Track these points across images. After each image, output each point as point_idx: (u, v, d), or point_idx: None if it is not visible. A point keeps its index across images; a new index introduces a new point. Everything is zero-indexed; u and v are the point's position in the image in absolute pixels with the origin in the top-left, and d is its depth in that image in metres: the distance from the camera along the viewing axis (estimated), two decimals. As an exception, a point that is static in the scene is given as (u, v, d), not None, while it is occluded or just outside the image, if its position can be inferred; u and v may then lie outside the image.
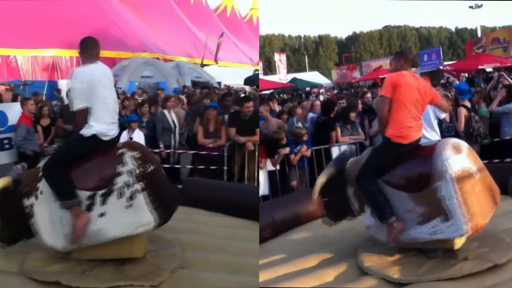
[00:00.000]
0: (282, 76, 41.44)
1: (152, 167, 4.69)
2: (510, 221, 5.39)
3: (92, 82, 4.70)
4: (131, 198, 4.53)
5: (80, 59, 5.06)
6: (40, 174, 4.77)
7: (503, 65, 22.91)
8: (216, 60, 33.78)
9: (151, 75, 23.44)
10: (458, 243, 4.56)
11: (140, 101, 12.47)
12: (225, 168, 8.83)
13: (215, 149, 9.13)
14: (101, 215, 4.58)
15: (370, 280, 4.52)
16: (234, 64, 38.02)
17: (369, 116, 9.76)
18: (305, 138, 8.59)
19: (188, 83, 22.48)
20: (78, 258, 4.82)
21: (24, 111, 9.29)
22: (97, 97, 4.72)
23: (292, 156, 8.47)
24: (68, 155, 4.77)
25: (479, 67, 22.08)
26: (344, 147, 8.82)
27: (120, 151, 4.67)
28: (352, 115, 9.22)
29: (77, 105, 4.69)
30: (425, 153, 4.63)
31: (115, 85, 19.39)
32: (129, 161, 4.59)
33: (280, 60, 44.75)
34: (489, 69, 23.59)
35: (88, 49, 4.94)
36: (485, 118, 8.94)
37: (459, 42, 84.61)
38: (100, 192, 4.58)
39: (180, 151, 9.97)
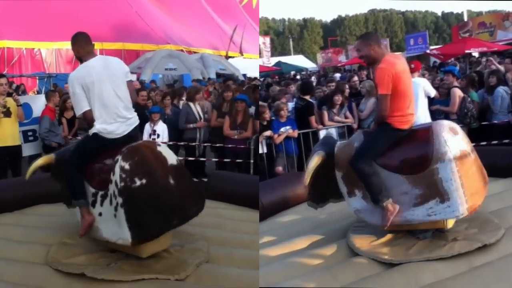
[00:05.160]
0: (265, 59, 41.30)
1: (141, 182, 4.38)
2: (498, 203, 5.47)
3: (88, 83, 4.59)
4: (115, 209, 4.44)
5: (76, 57, 4.91)
6: None
7: (489, 50, 23.02)
8: (241, 52, 33.35)
9: (175, 67, 23.21)
10: (450, 222, 4.63)
11: (163, 93, 12.33)
12: (252, 161, 8.65)
13: (242, 142, 8.98)
14: (100, 214, 4.65)
15: (360, 261, 4.54)
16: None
17: (357, 100, 9.79)
18: (283, 113, 8.57)
19: (213, 76, 22.28)
20: None
21: (49, 104, 9.34)
22: (94, 96, 4.61)
23: (276, 135, 8.40)
24: (80, 154, 4.82)
25: (466, 51, 22.16)
26: (332, 130, 8.84)
27: (117, 157, 4.46)
28: (336, 98, 9.16)
29: (81, 109, 4.67)
30: (421, 136, 4.61)
31: (137, 78, 19.09)
32: (117, 172, 4.39)
33: (264, 43, 44.61)
34: (475, 54, 23.69)
35: (83, 45, 4.82)
36: (475, 102, 9.01)
37: (445, 26, 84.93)
38: (100, 192, 4.62)
39: (205, 144, 9.79)
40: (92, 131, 4.69)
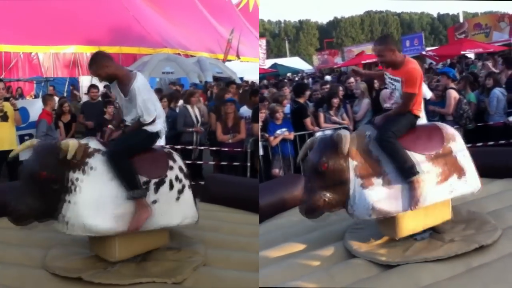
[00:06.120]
0: (261, 61, 41.31)
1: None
2: (495, 204, 5.48)
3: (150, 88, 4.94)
4: (180, 191, 4.82)
5: (108, 75, 4.75)
6: (90, 149, 4.55)
7: (485, 51, 23.08)
8: (238, 55, 33.36)
9: (172, 71, 23.17)
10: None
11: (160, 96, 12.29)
12: (248, 164, 8.66)
13: (238, 145, 8.96)
14: (154, 202, 4.64)
15: (358, 262, 4.55)
16: (257, 59, 37.59)
17: (351, 101, 9.79)
18: (279, 115, 8.56)
19: (210, 79, 22.26)
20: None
21: (46, 108, 9.35)
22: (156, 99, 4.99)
23: (272, 138, 8.39)
24: (133, 149, 4.74)
25: (462, 52, 22.20)
26: (328, 133, 8.82)
27: (166, 150, 5.13)
28: (335, 100, 9.16)
29: (152, 114, 4.76)
30: (428, 126, 5.11)
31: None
32: (178, 159, 4.99)
33: (260, 45, 44.61)
34: (470, 55, 23.73)
35: (109, 60, 4.74)
36: (473, 104, 9.03)
37: (441, 27, 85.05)
38: (154, 180, 4.68)
39: (202, 147, 9.78)
40: (152, 129, 4.82)
